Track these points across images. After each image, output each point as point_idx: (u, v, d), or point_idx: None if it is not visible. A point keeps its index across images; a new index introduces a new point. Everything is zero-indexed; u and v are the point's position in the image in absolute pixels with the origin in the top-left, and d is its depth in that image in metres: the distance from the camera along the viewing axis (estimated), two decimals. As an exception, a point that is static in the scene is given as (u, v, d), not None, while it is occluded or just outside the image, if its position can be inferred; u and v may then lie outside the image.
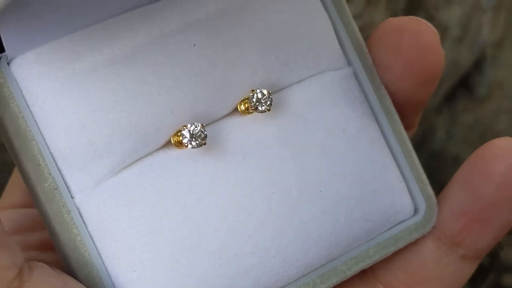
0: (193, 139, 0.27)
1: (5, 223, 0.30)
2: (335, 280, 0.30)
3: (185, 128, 0.27)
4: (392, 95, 0.31)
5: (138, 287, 0.27)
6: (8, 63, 0.27)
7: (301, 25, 0.30)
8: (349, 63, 0.31)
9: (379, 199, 0.30)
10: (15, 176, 0.32)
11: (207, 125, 0.28)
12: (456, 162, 0.42)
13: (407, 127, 0.33)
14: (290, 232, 0.28)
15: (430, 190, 0.31)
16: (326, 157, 0.29)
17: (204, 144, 0.27)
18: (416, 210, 0.31)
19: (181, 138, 0.27)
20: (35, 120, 0.27)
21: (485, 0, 0.41)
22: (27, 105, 0.27)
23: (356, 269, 0.30)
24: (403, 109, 0.32)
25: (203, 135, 0.27)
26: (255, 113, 0.29)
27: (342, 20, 0.31)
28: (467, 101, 0.42)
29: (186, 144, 0.27)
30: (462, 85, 0.43)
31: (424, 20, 0.31)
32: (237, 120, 0.29)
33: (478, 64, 0.42)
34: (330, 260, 0.30)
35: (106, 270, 0.27)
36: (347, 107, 0.30)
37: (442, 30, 0.42)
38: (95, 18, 0.28)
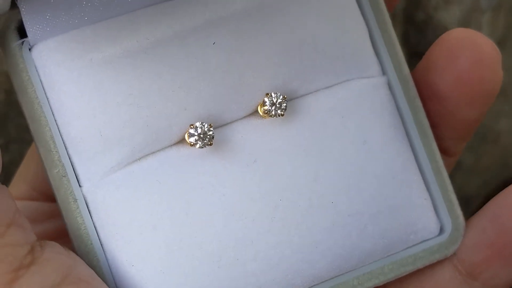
0: (200, 139, 0.27)
1: None
2: (345, 294, 0.29)
3: (192, 127, 0.27)
4: (440, 103, 0.30)
5: (135, 282, 0.27)
6: (29, 49, 0.27)
7: (331, 30, 0.29)
8: (384, 72, 0.30)
9: (397, 215, 0.29)
10: (22, 169, 0.33)
11: (223, 125, 0.28)
12: (456, 165, 0.41)
13: (449, 153, 0.31)
14: (296, 242, 0.28)
15: (458, 211, 0.30)
16: (342, 167, 0.28)
17: (210, 144, 0.27)
18: (441, 230, 0.30)
19: (188, 137, 0.27)
20: (50, 107, 0.27)
21: (484, 0, 0.40)
22: (44, 91, 0.27)
23: (369, 285, 0.29)
24: (449, 127, 0.30)
25: (209, 136, 0.27)
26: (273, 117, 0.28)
27: (380, 27, 0.30)
28: (467, 102, 0.41)
29: (193, 143, 0.27)
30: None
31: (487, 38, 0.30)
32: (254, 122, 0.28)
33: (478, 65, 0.41)
34: (340, 273, 0.29)
35: (107, 261, 0.27)
36: (373, 117, 0.29)
37: (441, 30, 0.41)
38: (119, 10, 0.28)
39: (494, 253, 0.29)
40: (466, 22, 0.41)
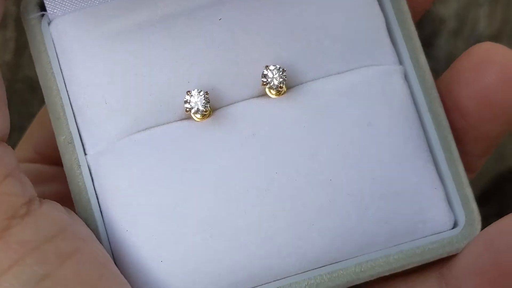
0: (196, 105, 0.28)
1: None
2: (346, 280, 0.28)
3: (188, 94, 0.28)
4: (462, 116, 0.29)
5: (129, 247, 0.27)
6: (48, 23, 0.29)
7: (344, 16, 0.29)
8: (401, 62, 0.30)
9: (402, 201, 0.28)
10: (28, 133, 0.34)
11: (226, 100, 0.28)
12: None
13: (468, 168, 0.30)
14: (290, 217, 0.27)
15: (473, 205, 0.29)
16: (343, 146, 0.28)
17: (206, 112, 0.28)
18: (455, 224, 0.29)
19: (184, 103, 0.28)
20: (63, 77, 0.29)
21: (481, -7, 0.40)
22: (59, 62, 0.29)
23: (372, 273, 0.28)
24: (470, 141, 0.30)
25: (204, 102, 0.27)
26: (280, 96, 0.28)
27: (397, 17, 0.30)
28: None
29: (188, 109, 0.28)
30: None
31: None
32: (258, 100, 0.29)
33: (475, 58, 0.40)
34: (341, 258, 0.28)
35: (105, 226, 0.28)
36: (381, 102, 0.29)
37: (439, 23, 0.41)
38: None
39: (484, 283, 0.27)
40: (463, 15, 0.41)
